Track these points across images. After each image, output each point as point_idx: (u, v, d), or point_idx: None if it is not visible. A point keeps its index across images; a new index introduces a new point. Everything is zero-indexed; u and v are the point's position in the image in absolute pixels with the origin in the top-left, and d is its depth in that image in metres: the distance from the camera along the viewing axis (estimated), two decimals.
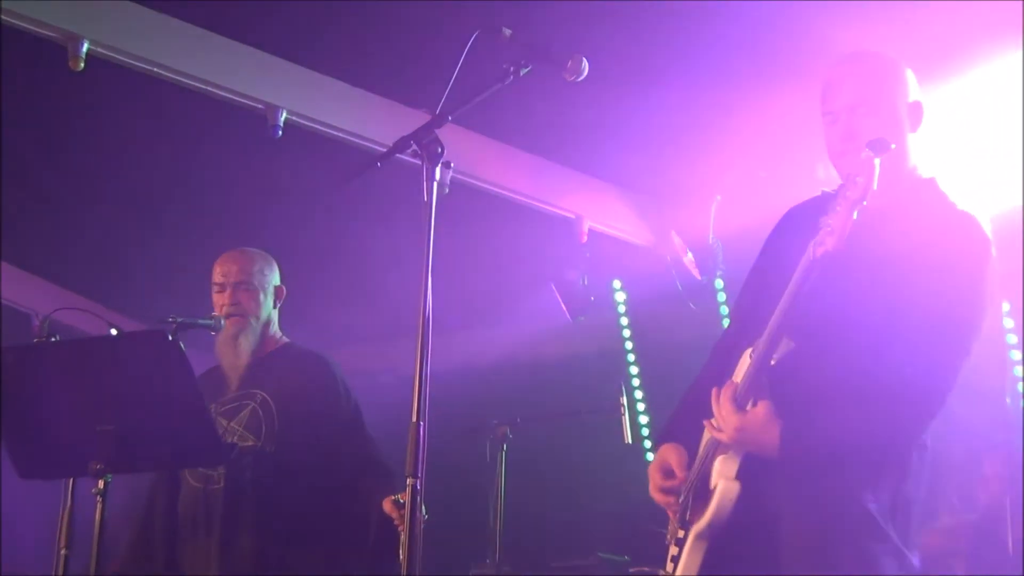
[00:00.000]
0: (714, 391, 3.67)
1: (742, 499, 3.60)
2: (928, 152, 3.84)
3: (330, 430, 5.33)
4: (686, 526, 3.74)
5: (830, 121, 3.75)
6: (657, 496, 3.90)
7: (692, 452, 3.85)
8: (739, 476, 3.63)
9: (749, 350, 3.66)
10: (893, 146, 3.40)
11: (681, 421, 3.98)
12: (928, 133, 3.82)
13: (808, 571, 3.52)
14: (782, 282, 3.55)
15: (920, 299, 3.51)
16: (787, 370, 3.56)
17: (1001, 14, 5.76)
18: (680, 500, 3.82)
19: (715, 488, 3.64)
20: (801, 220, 3.76)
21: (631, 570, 6.26)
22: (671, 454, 3.90)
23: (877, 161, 3.33)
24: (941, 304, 3.52)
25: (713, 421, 3.65)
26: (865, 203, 3.32)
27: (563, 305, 8.69)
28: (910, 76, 3.81)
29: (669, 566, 3.80)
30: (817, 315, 3.54)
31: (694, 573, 3.67)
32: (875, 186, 3.32)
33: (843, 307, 3.57)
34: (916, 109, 3.78)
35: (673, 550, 3.80)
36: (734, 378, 3.68)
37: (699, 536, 3.67)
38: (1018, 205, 6.33)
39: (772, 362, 3.56)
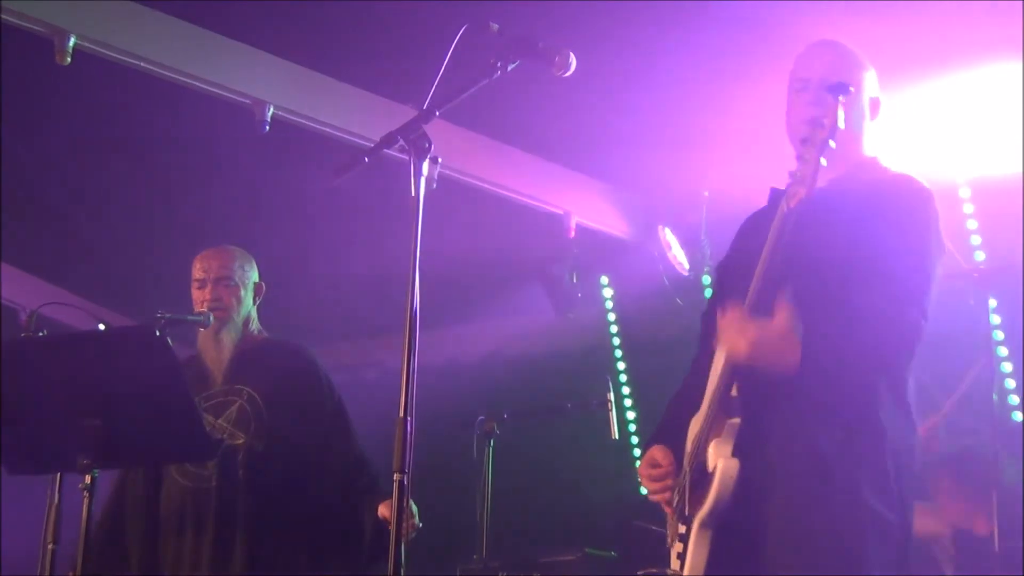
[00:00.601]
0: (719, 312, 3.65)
1: (742, 477, 3.60)
2: (879, 143, 3.99)
3: (317, 424, 5.33)
4: (688, 521, 3.72)
5: (800, 87, 3.89)
6: (649, 486, 3.92)
7: (679, 454, 3.87)
8: (735, 454, 3.63)
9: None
10: (852, 88, 3.57)
11: (668, 426, 4.03)
12: (883, 126, 3.99)
13: (793, 550, 3.54)
14: (747, 279, 3.63)
15: (880, 237, 3.64)
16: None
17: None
18: (676, 497, 3.82)
19: (715, 470, 3.63)
20: (760, 223, 3.83)
21: (639, 573, 6.24)
22: (656, 451, 3.94)
23: (841, 99, 3.46)
24: (901, 234, 3.69)
25: (723, 339, 3.61)
26: (833, 144, 3.43)
27: (551, 301, 8.70)
28: (874, 74, 3.96)
29: (675, 563, 3.76)
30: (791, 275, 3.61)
31: (702, 567, 3.64)
32: (842, 125, 3.44)
33: (813, 265, 3.63)
34: (876, 104, 3.94)
35: (678, 547, 3.77)
36: (714, 366, 3.73)
37: (703, 525, 3.64)
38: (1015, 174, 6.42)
39: None
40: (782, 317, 3.50)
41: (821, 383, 3.56)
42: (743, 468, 3.60)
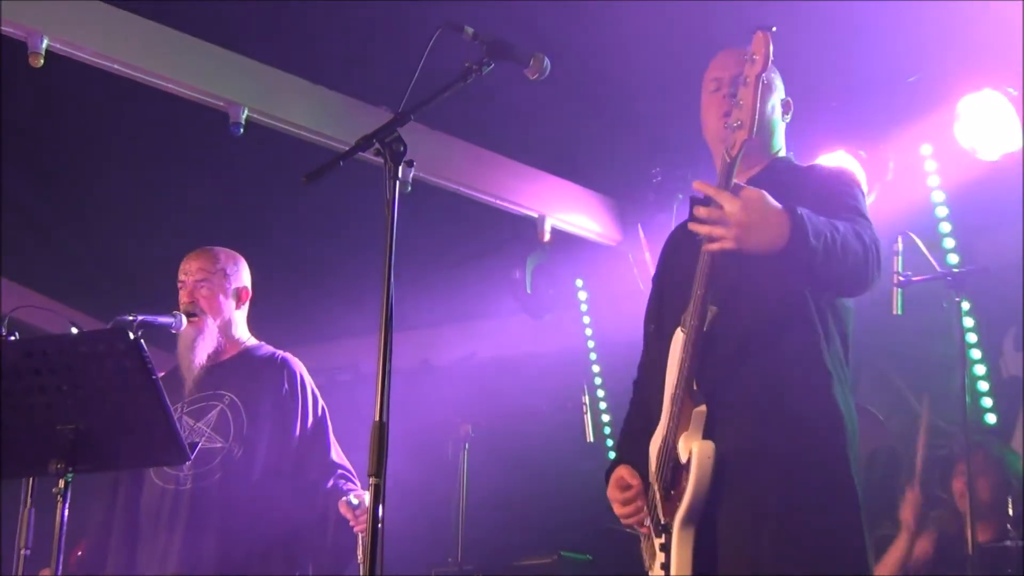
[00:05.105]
0: (696, 184, 3.61)
1: (719, 459, 3.61)
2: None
3: (297, 435, 5.30)
4: (667, 528, 3.69)
5: (714, 88, 4.00)
6: (622, 510, 3.93)
7: (644, 473, 3.89)
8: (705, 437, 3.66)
9: (679, 328, 3.76)
10: (774, 28, 3.58)
11: (628, 445, 4.07)
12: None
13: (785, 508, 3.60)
14: (683, 283, 3.73)
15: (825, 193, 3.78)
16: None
17: None
18: (649, 515, 3.81)
19: (689, 459, 3.63)
20: (687, 234, 3.76)
21: None
22: (624, 471, 3.97)
23: (768, 35, 3.54)
24: (837, 186, 3.88)
25: (707, 217, 3.53)
26: (764, 79, 3.56)
27: (519, 305, 8.70)
28: (779, 80, 4.12)
29: (661, 574, 3.71)
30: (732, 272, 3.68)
31: (689, 566, 3.63)
32: (771, 55, 3.53)
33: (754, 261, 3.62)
34: (787, 105, 4.11)
35: (660, 557, 3.72)
36: (671, 362, 3.76)
37: (686, 521, 3.64)
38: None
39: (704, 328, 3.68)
40: (756, 190, 3.51)
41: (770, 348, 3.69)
42: (718, 450, 3.63)
